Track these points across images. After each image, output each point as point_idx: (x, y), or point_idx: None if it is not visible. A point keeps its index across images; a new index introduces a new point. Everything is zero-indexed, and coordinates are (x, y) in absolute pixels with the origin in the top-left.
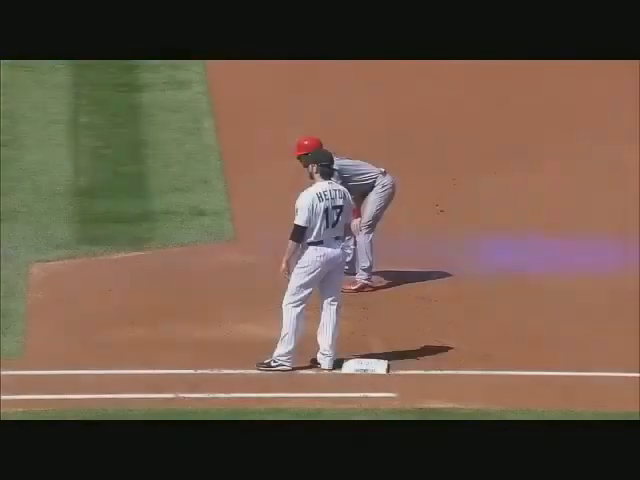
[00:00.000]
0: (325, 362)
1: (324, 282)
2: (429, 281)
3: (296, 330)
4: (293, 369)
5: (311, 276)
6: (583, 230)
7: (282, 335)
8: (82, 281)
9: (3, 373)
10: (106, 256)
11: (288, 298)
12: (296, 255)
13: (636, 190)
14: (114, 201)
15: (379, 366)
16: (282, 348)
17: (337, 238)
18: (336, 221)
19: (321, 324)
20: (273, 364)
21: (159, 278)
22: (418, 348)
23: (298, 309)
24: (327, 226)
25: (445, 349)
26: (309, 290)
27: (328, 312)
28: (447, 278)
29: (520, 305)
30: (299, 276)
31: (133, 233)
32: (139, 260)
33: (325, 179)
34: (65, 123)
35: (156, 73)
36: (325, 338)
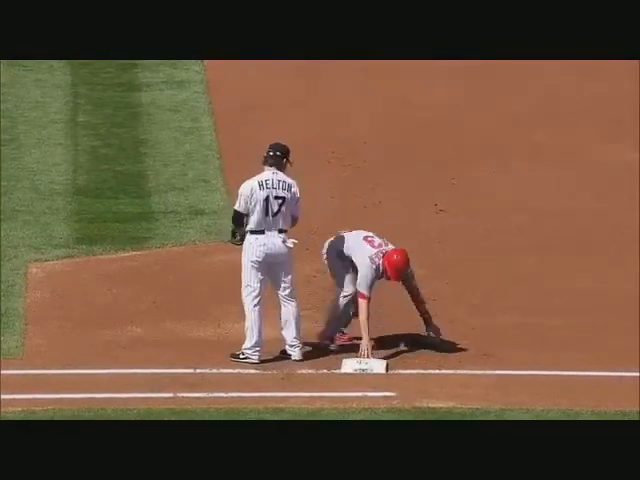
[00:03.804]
0: (295, 353)
1: (275, 277)
2: (429, 281)
3: (256, 322)
4: (261, 362)
5: (256, 267)
6: (583, 230)
7: (245, 329)
8: (81, 280)
9: (2, 372)
10: (105, 255)
11: (243, 291)
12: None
13: (636, 190)
14: (113, 200)
15: (378, 365)
16: (247, 342)
17: (281, 231)
18: (277, 211)
19: (283, 320)
20: (241, 356)
21: (158, 277)
22: (418, 348)
23: (254, 301)
24: (267, 214)
25: (445, 349)
26: (258, 281)
27: (287, 308)
28: (447, 278)
29: (520, 304)
30: (246, 267)
31: (132, 232)
32: (138, 259)
33: (268, 167)
34: (64, 122)
35: (155, 72)
36: (290, 331)
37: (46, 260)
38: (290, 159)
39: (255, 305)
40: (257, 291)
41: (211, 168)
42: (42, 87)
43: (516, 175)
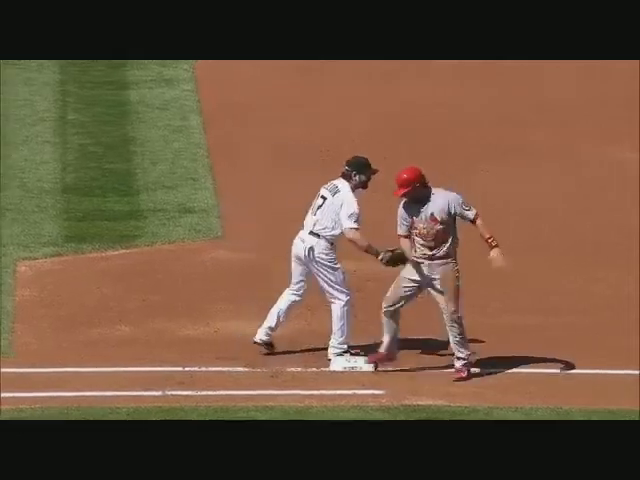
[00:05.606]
0: (330, 349)
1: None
2: None
3: (275, 308)
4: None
5: (292, 261)
6: (582, 230)
7: None
8: (70, 279)
9: None
10: (94, 254)
11: None
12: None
13: (636, 190)
14: (102, 199)
15: (367, 363)
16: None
17: (313, 234)
18: (317, 209)
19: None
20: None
21: (147, 276)
22: (414, 346)
23: (288, 292)
24: (310, 212)
25: (442, 348)
26: (295, 276)
27: (331, 308)
28: None
29: (519, 304)
30: None
31: (121, 231)
32: (127, 258)
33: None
34: (53, 120)
35: (144, 71)
36: (332, 333)
37: (35, 258)
38: (367, 173)
39: (288, 297)
40: (293, 284)
41: (200, 166)
42: (31, 85)
43: (515, 175)
